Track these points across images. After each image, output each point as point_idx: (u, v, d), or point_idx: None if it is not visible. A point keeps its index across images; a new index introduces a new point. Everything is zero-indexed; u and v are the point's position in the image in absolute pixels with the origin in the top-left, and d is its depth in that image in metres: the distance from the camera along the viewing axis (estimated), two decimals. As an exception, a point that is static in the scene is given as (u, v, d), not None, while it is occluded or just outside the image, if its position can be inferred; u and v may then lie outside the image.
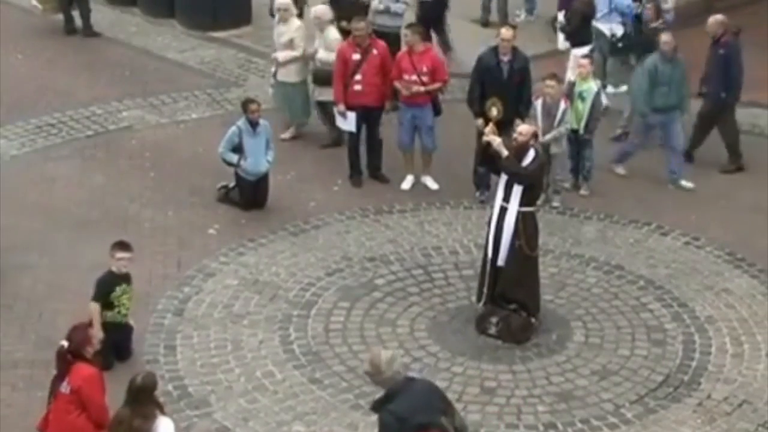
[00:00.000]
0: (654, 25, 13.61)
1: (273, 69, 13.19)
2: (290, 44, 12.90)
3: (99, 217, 11.76)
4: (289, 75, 13.00)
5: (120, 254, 9.55)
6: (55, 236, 11.38)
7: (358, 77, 12.25)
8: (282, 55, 12.91)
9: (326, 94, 12.79)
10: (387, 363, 6.98)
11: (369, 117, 12.41)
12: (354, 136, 12.47)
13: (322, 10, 12.99)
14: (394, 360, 7.04)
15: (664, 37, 12.55)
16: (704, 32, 15.89)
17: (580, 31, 13.95)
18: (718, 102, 12.83)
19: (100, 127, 13.70)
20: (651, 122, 12.54)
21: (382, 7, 13.73)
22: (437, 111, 12.37)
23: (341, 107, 12.35)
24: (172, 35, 16.27)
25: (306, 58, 12.96)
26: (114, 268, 9.55)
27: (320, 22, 12.87)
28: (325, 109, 12.99)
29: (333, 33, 12.84)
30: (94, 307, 9.44)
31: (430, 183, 12.52)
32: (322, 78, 12.75)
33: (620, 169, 12.73)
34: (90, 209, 11.91)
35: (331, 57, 12.58)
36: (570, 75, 13.38)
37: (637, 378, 9.65)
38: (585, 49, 13.74)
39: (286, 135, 13.21)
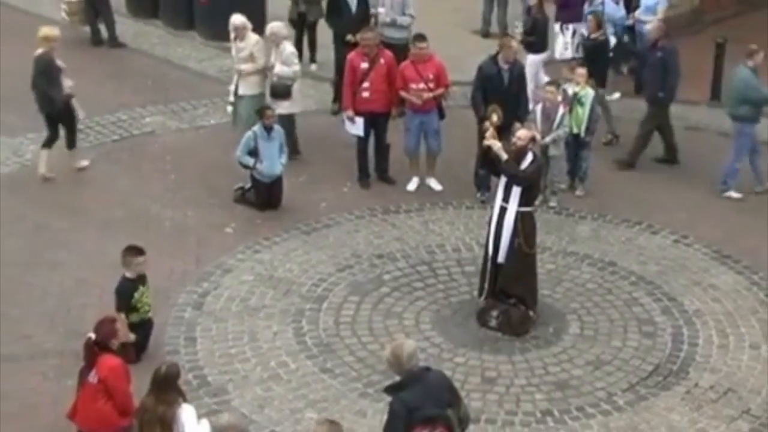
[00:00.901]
0: (594, 35, 13.54)
1: (233, 86, 12.82)
2: (250, 58, 12.63)
3: (123, 216, 11.78)
4: (249, 88, 12.70)
5: (138, 259, 9.51)
6: (82, 235, 11.42)
7: (366, 84, 12.24)
8: (245, 66, 12.62)
9: (283, 108, 12.55)
10: (408, 357, 6.98)
11: (377, 122, 12.41)
12: (363, 141, 12.46)
13: (278, 27, 12.76)
14: (415, 354, 7.05)
15: (762, 53, 12.22)
16: (694, 42, 15.98)
17: (541, 40, 13.87)
18: (656, 102, 12.71)
19: (125, 132, 13.73)
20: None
21: (388, 19, 13.69)
22: (441, 115, 12.36)
23: (350, 113, 12.34)
24: (191, 46, 16.29)
25: (266, 70, 12.68)
26: (129, 274, 9.49)
27: (276, 38, 12.63)
28: (285, 121, 12.61)
29: (289, 48, 12.68)
30: (121, 317, 9.38)
31: (434, 184, 12.52)
32: (280, 91, 12.55)
33: (734, 193, 12.26)
34: (115, 209, 11.93)
35: (288, 71, 12.48)
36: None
37: (629, 368, 9.65)
38: (542, 56, 13.59)
39: None
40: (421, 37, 12.30)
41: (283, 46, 12.62)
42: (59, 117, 12.35)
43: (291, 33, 13.32)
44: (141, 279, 9.59)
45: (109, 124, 13.88)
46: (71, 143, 12.59)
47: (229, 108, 13.06)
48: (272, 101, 12.59)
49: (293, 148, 12.67)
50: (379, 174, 12.65)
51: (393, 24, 13.66)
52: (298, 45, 15.32)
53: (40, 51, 12.28)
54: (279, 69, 12.55)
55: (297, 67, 12.68)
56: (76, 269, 10.80)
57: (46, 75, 12.19)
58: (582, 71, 12.46)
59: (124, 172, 12.77)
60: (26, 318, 10.09)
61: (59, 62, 12.31)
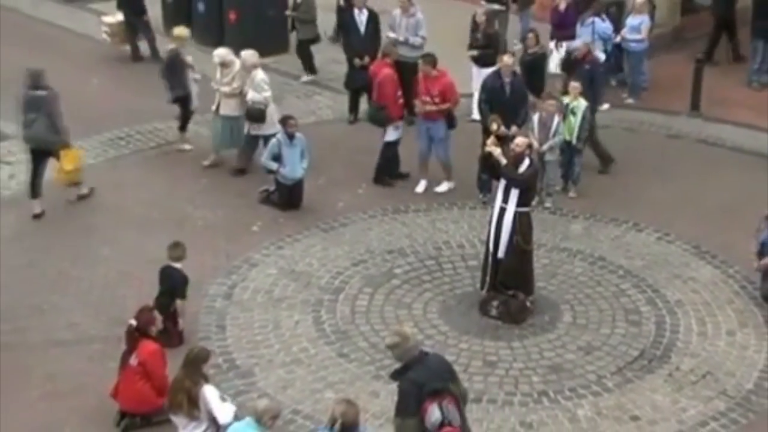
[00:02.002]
0: (533, 50, 13.45)
1: (214, 106, 12.73)
2: (232, 81, 12.54)
3: (160, 216, 11.81)
4: (228, 109, 12.59)
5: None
6: (123, 233, 11.46)
7: (399, 93, 12.36)
8: (224, 88, 12.54)
9: (259, 129, 12.37)
10: (405, 339, 7.00)
11: None
12: (396, 144, 12.37)
13: (247, 55, 12.52)
14: (412, 338, 7.07)
15: None
16: (676, 58, 15.96)
17: (491, 56, 13.67)
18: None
19: (162, 139, 13.74)
20: None
21: (401, 38, 13.68)
22: (450, 125, 12.21)
23: (399, 122, 12.34)
24: (221, 62, 16.29)
25: (243, 95, 12.50)
26: (179, 265, 9.52)
27: (245, 65, 12.45)
28: (253, 142, 12.54)
29: (260, 75, 12.41)
30: (184, 304, 9.46)
31: (439, 187, 12.48)
32: (253, 115, 12.33)
33: None
34: (152, 209, 11.96)
35: (258, 97, 12.27)
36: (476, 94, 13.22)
37: (617, 353, 9.65)
38: (491, 69, 13.29)
39: (207, 162, 12.79)
40: (425, 58, 12.24)
41: (254, 74, 12.38)
42: (179, 102, 12.96)
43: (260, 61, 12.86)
44: None
45: (147, 132, 13.91)
46: (182, 127, 13.22)
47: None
48: (248, 124, 12.45)
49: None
50: (394, 173, 12.61)
51: (405, 43, 13.64)
52: (306, 61, 15.34)
53: (171, 46, 13.12)
54: (251, 95, 12.33)
55: (267, 93, 12.37)
56: (118, 264, 10.84)
57: (169, 67, 12.89)
58: (575, 84, 12.42)
59: (161, 176, 12.81)
60: (74, 307, 10.15)
61: (189, 58, 13.01)
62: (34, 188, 11.65)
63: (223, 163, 12.84)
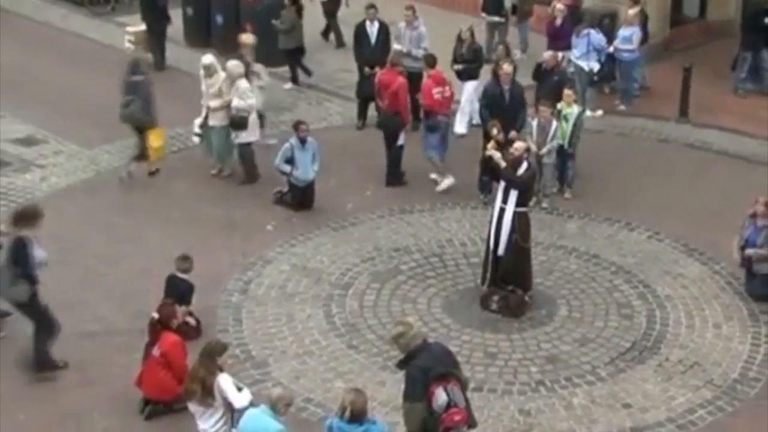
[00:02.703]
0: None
1: (200, 119, 12.55)
2: (219, 93, 12.37)
3: (180, 216, 11.83)
4: (217, 120, 12.43)
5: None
6: (145, 231, 11.48)
7: (408, 98, 12.42)
8: (213, 102, 12.38)
9: (241, 137, 12.25)
10: (409, 327, 7.02)
11: None
12: (403, 148, 12.41)
13: (232, 65, 12.36)
14: (416, 328, 7.10)
15: None
16: (665, 67, 15.96)
17: (475, 69, 13.66)
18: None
19: (182, 144, 13.74)
20: None
21: (405, 50, 13.70)
22: (430, 127, 12.18)
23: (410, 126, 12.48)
24: (238, 71, 16.29)
25: (230, 105, 12.38)
26: (186, 276, 9.52)
27: (230, 75, 12.14)
28: (243, 149, 12.44)
29: (243, 84, 12.26)
30: (188, 308, 9.49)
31: (440, 186, 12.37)
32: (236, 122, 12.20)
33: None
34: (172, 209, 11.98)
35: (243, 104, 12.15)
36: (466, 106, 13.32)
37: (610, 344, 9.66)
38: (475, 83, 13.36)
39: (214, 171, 12.65)
40: (426, 58, 12.45)
41: (238, 83, 12.25)
42: None
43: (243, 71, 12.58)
44: None
45: (167, 137, 13.93)
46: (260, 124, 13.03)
47: (196, 139, 12.80)
48: (231, 131, 12.34)
49: (251, 174, 12.38)
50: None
51: (409, 54, 13.65)
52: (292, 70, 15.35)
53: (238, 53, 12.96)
54: (236, 103, 12.21)
55: (252, 101, 12.24)
56: (141, 260, 10.86)
57: None
58: (569, 92, 12.44)
59: (181, 178, 12.82)
60: (101, 301, 10.19)
61: (256, 66, 12.97)
62: (140, 155, 12.51)
63: (232, 172, 12.73)
